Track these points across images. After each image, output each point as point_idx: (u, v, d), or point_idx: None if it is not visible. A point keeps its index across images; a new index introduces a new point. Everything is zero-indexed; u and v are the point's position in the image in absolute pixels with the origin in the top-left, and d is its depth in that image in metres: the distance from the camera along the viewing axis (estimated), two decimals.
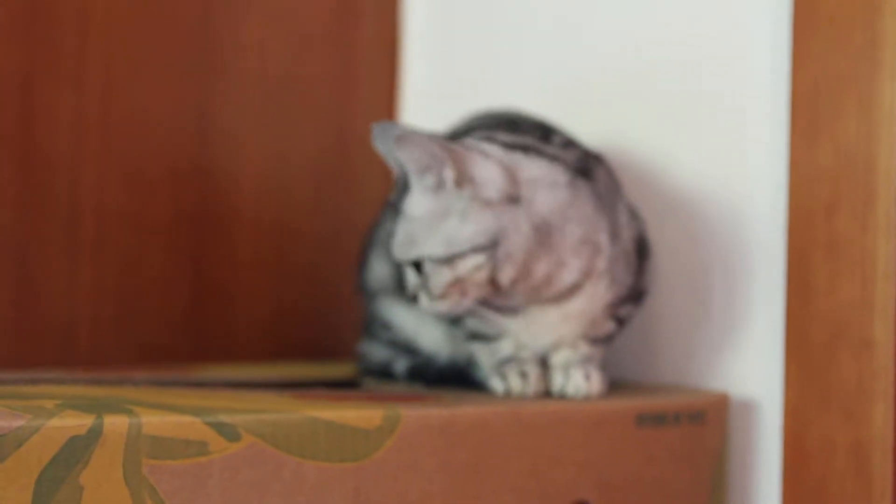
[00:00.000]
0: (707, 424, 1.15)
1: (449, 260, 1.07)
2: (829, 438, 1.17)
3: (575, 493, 1.06)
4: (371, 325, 1.31)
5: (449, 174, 1.08)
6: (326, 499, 0.93)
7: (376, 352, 1.30)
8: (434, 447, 0.98)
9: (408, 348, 1.27)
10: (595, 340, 1.17)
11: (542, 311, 1.13)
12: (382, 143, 1.12)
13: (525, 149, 1.13)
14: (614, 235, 1.14)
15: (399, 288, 1.24)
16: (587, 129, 1.30)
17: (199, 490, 0.87)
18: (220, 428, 0.88)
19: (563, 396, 1.13)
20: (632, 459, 1.10)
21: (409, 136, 1.06)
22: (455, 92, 1.62)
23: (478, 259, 1.08)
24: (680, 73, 1.34)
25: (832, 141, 1.17)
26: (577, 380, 1.13)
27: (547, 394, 1.14)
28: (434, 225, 1.08)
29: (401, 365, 1.27)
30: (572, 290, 1.12)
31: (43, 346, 1.37)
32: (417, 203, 1.09)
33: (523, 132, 1.19)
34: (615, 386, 1.21)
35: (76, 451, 0.83)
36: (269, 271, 1.56)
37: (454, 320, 1.19)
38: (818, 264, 1.18)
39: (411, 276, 1.11)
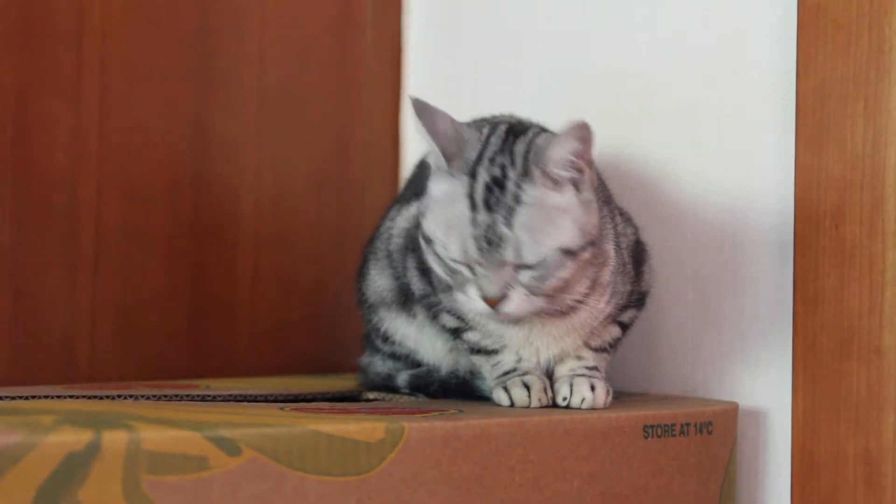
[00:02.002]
0: (715, 434, 1.14)
1: (577, 252, 1.04)
2: (840, 448, 1.16)
3: None
4: (371, 338, 1.30)
5: (588, 174, 1.06)
6: None
7: (378, 365, 1.29)
8: (437, 459, 0.97)
9: (409, 361, 1.26)
10: (599, 349, 1.16)
11: (545, 322, 1.12)
12: (425, 121, 1.07)
13: None
14: (617, 246, 1.14)
15: (400, 301, 1.23)
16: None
17: None
18: (220, 442, 0.87)
19: (567, 407, 1.12)
20: (638, 471, 1.09)
21: (585, 127, 1.03)
22: (457, 100, 1.61)
23: (589, 252, 1.06)
24: (685, 79, 1.34)
25: (839, 147, 1.16)
26: (583, 390, 1.11)
27: (552, 405, 1.13)
28: (563, 217, 1.04)
29: (403, 377, 1.26)
30: (577, 304, 1.11)
31: (42, 362, 1.36)
32: (541, 194, 1.04)
33: None
34: (621, 397, 1.20)
35: (74, 467, 0.82)
36: (270, 284, 1.55)
37: (455, 333, 1.18)
38: (826, 272, 1.17)
39: (496, 277, 1.03)
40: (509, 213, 1.03)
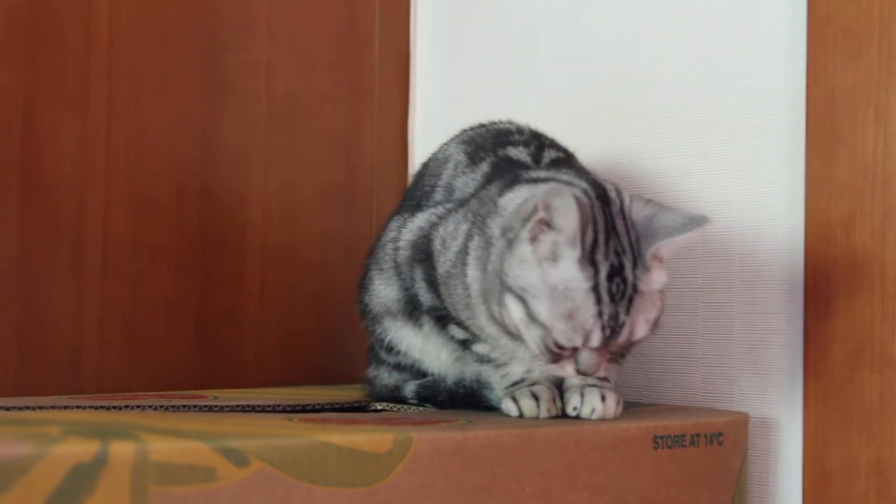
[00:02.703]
0: (726, 445, 1.13)
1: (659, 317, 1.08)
2: (851, 458, 1.15)
3: None
4: (375, 350, 1.29)
5: None
6: None
7: (384, 377, 1.29)
8: (446, 470, 0.96)
9: (414, 371, 1.26)
10: (610, 359, 1.15)
11: None
12: (583, 222, 1.02)
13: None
14: None
15: (406, 311, 1.23)
16: (599, 144, 1.29)
17: None
18: (228, 453, 0.87)
19: (578, 418, 1.11)
20: (649, 482, 1.08)
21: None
22: (465, 108, 1.61)
23: None
24: (694, 88, 1.33)
25: (849, 155, 1.16)
26: (593, 401, 1.11)
27: (561, 415, 1.12)
28: (658, 295, 1.07)
29: (410, 388, 1.25)
30: None
31: (49, 373, 1.36)
32: (651, 279, 1.05)
33: (522, 144, 1.20)
34: (631, 407, 1.19)
35: (81, 478, 0.82)
36: (278, 295, 1.54)
37: (464, 344, 1.18)
38: (837, 281, 1.16)
39: (599, 356, 1.04)
40: (629, 303, 1.04)
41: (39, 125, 1.36)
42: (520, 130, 1.25)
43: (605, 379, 1.14)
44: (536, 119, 1.28)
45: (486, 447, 0.99)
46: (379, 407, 1.24)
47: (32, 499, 0.80)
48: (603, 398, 1.11)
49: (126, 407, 1.13)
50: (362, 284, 1.30)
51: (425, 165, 1.32)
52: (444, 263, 1.15)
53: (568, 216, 1.01)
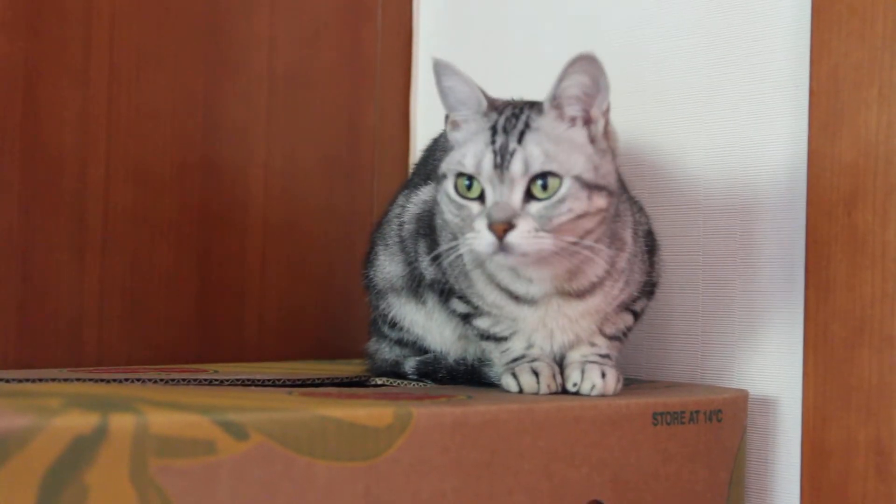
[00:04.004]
0: (725, 422, 1.14)
1: (591, 188, 1.05)
2: (850, 436, 1.15)
3: (589, 493, 1.05)
4: (378, 325, 1.29)
5: (602, 119, 1.09)
6: (337, 499, 0.91)
7: (385, 352, 1.29)
8: (446, 446, 0.97)
9: (416, 347, 1.26)
10: (613, 336, 1.15)
11: (561, 304, 1.11)
12: (445, 77, 1.11)
13: None
14: (635, 233, 1.14)
15: (410, 287, 1.23)
16: None
17: (207, 490, 0.86)
18: (228, 427, 0.87)
19: (578, 394, 1.11)
20: (648, 458, 1.08)
21: (592, 60, 1.06)
22: None
23: (605, 201, 1.06)
24: (698, 65, 1.33)
25: (852, 133, 1.15)
26: (594, 377, 1.11)
27: (561, 391, 1.12)
28: (574, 150, 1.06)
29: (410, 364, 1.25)
30: (594, 287, 1.11)
31: (49, 346, 1.36)
32: (551, 125, 1.07)
33: None
34: (631, 384, 1.19)
35: (81, 450, 0.82)
36: (279, 269, 1.54)
37: (465, 319, 1.18)
38: (838, 259, 1.16)
39: (504, 203, 1.04)
40: (521, 136, 1.06)
41: (41, 97, 1.36)
42: None
43: (605, 356, 1.14)
44: (541, 94, 1.28)
45: (485, 422, 0.99)
46: (379, 382, 1.24)
47: (32, 471, 0.80)
48: (603, 374, 1.11)
49: (126, 380, 1.13)
50: (367, 259, 1.30)
51: (436, 141, 1.32)
52: (445, 237, 1.15)
53: (461, 81, 1.10)
